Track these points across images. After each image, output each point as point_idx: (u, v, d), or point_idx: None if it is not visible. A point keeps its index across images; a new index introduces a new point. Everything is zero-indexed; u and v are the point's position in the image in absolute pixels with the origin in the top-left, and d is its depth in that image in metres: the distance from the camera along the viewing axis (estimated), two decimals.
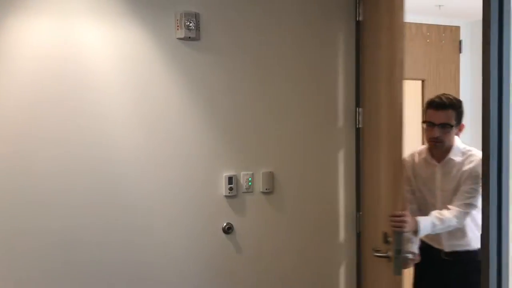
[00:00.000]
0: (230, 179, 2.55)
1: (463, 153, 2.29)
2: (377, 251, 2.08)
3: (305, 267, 2.68)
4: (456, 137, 2.33)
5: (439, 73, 4.01)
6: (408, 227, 2.07)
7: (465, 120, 4.03)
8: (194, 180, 2.50)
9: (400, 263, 1.93)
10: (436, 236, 2.34)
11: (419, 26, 3.94)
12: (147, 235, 2.44)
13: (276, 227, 2.65)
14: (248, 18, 2.58)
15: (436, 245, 2.39)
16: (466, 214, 2.20)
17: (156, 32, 2.43)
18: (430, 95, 3.95)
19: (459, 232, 2.29)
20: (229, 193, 2.55)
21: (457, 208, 2.19)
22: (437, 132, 2.23)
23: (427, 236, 2.33)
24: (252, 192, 2.61)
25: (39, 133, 2.26)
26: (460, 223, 2.19)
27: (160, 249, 2.46)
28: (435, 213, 2.21)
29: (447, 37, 4.04)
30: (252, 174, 2.60)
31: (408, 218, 2.07)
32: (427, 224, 2.14)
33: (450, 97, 2.27)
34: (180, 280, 2.49)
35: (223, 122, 2.55)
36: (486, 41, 1.91)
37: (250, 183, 2.60)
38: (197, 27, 2.47)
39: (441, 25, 4.00)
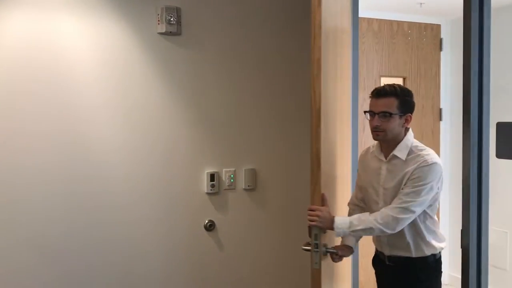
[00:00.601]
0: (212, 176, 2.53)
1: (411, 151, 2.06)
2: (307, 244, 2.02)
3: (286, 263, 2.68)
4: (409, 134, 2.10)
5: (420, 70, 4.05)
6: (321, 223, 1.94)
7: (445, 117, 4.15)
8: (175, 176, 2.47)
9: (317, 257, 1.90)
10: (378, 240, 2.18)
11: (400, 23, 3.96)
12: (129, 232, 2.40)
13: (258, 223, 2.64)
14: (229, 12, 2.56)
15: (379, 249, 2.22)
16: (397, 219, 1.94)
17: (137, 26, 2.39)
18: None
19: (398, 237, 2.07)
20: (211, 190, 2.53)
21: (388, 212, 1.96)
22: (376, 121, 2.02)
23: (374, 238, 2.22)
24: (234, 189, 2.59)
25: (13, 125, 2.21)
26: (389, 228, 1.95)
27: (142, 245, 2.43)
28: (359, 214, 2.05)
29: (428, 35, 4.07)
30: (234, 171, 2.59)
31: (322, 213, 1.94)
32: (343, 222, 1.96)
33: (395, 85, 2.06)
34: (162, 276, 2.47)
35: (205, 118, 2.53)
36: (466, 38, 1.92)
37: (232, 180, 2.58)
38: (178, 22, 2.44)
39: (422, 22, 4.04)
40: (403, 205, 1.95)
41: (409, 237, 2.07)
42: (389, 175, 2.09)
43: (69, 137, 2.29)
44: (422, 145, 2.10)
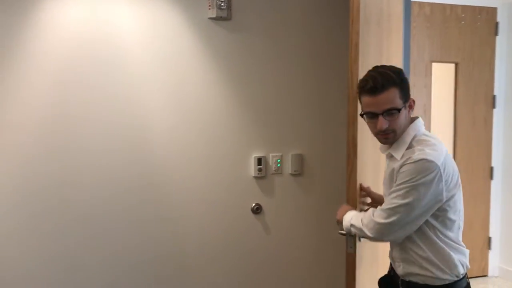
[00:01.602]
0: (259, 160, 2.56)
1: (409, 147, 1.67)
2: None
3: (332, 248, 2.69)
4: (413, 125, 1.70)
5: (473, 56, 3.91)
6: (338, 215, 1.87)
7: (498, 105, 4.00)
8: (223, 160, 2.52)
9: (351, 241, 1.85)
10: (392, 255, 1.82)
11: (453, 7, 3.83)
12: (179, 213, 2.47)
13: (304, 209, 2.65)
14: None
15: (394, 267, 1.83)
16: (379, 226, 1.63)
17: (188, 12, 2.43)
18: (464, 79, 3.89)
19: (410, 256, 1.70)
20: (258, 174, 2.56)
21: (370, 213, 1.69)
22: (383, 123, 1.64)
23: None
24: (281, 173, 2.61)
25: (72, 111, 2.30)
26: (372, 232, 1.66)
27: (190, 226, 2.50)
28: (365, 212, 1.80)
29: (483, 19, 3.92)
30: (281, 155, 2.61)
31: (341, 207, 1.88)
32: (348, 215, 1.81)
33: (385, 71, 1.65)
34: (210, 256, 2.53)
35: (254, 103, 2.55)
36: None
37: (278, 165, 2.60)
38: (229, 7, 2.46)
39: (476, 6, 3.88)
40: (386, 206, 1.63)
41: (417, 257, 1.67)
42: (387, 175, 1.77)
43: (124, 120, 2.37)
44: (428, 138, 1.68)
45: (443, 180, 1.58)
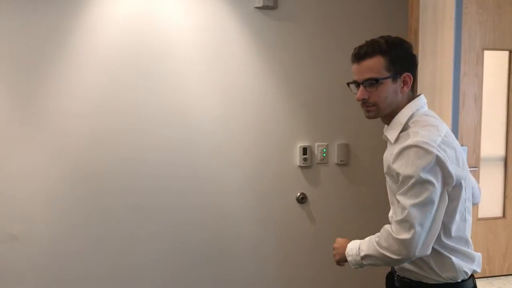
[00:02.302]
0: (304, 150, 2.55)
1: (405, 128, 1.51)
2: None
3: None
4: (410, 104, 1.53)
5: None
6: (337, 255, 1.61)
7: None
8: (269, 149, 2.53)
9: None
10: None
11: None
12: (225, 200, 2.51)
13: (350, 199, 2.63)
14: None
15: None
16: (400, 242, 1.39)
17: (234, 1, 2.44)
18: None
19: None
20: (303, 163, 2.55)
21: (388, 229, 1.44)
22: (361, 93, 1.53)
23: None
24: (326, 163, 2.60)
25: (121, 103, 2.37)
26: (405, 255, 1.40)
27: (235, 213, 2.53)
28: (373, 235, 1.52)
29: None
30: (327, 145, 2.59)
31: (336, 244, 1.63)
32: (354, 248, 1.54)
33: (378, 39, 1.53)
34: (254, 243, 2.56)
35: (299, 92, 2.54)
36: None
37: (324, 154, 2.59)
38: None
39: None
40: (400, 216, 1.40)
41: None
42: (384, 164, 1.58)
43: (173, 110, 2.41)
44: (426, 117, 1.51)
45: (447, 161, 1.40)
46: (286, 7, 2.49)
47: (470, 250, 1.53)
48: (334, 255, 1.63)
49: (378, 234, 1.48)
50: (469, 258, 1.52)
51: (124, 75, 2.36)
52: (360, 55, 1.53)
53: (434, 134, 1.43)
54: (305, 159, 2.56)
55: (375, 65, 1.49)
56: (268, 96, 2.51)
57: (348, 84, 1.62)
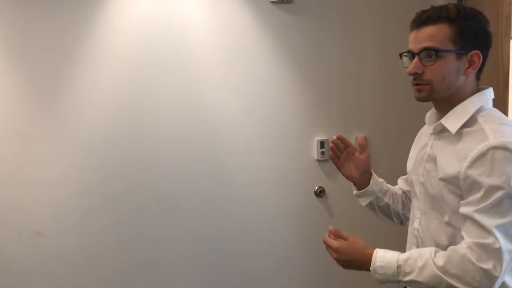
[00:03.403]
0: (322, 144, 2.55)
1: (472, 122, 1.22)
2: None
3: (396, 231, 2.64)
4: (480, 94, 1.26)
5: None
6: (343, 264, 1.34)
7: None
8: (287, 143, 2.54)
9: None
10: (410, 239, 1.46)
11: None
12: (243, 193, 2.53)
13: None
14: None
15: None
16: (486, 274, 1.10)
17: None
18: None
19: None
20: (321, 157, 2.56)
21: (462, 253, 1.14)
22: (414, 66, 1.25)
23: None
24: None
25: (140, 99, 2.41)
26: (473, 284, 1.11)
27: (253, 206, 2.55)
28: (416, 250, 1.25)
29: None
30: None
31: (339, 250, 1.32)
32: (388, 266, 1.24)
33: (450, 5, 1.24)
34: (271, 238, 2.58)
35: (316, 86, 2.54)
36: None
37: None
38: None
39: None
40: (481, 239, 1.11)
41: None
42: (432, 160, 1.29)
43: (190, 105, 2.45)
44: (502, 117, 1.24)
45: None
46: (301, 1, 2.49)
47: None
48: (342, 260, 1.34)
49: (436, 253, 1.19)
50: None
51: (144, 73, 2.40)
52: (421, 19, 1.24)
53: None
54: (322, 153, 2.56)
55: (438, 33, 1.21)
56: (285, 91, 2.52)
57: (400, 55, 1.33)
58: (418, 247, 1.37)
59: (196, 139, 2.47)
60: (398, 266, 1.21)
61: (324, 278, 2.63)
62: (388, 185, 1.58)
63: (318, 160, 2.57)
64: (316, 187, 2.58)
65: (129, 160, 2.42)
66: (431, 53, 1.22)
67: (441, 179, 1.24)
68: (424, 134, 1.45)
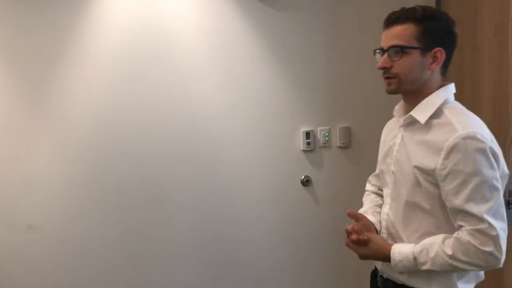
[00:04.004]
0: (307, 134, 2.65)
1: (438, 113, 1.35)
2: None
3: None
4: (445, 88, 1.39)
5: None
6: (364, 255, 1.45)
7: None
8: (274, 135, 2.63)
9: None
10: None
11: None
12: (231, 182, 2.62)
13: (352, 180, 2.72)
14: None
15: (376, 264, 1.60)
16: (491, 255, 1.25)
17: None
18: None
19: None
20: (307, 147, 2.66)
21: (467, 240, 1.26)
22: (384, 61, 1.39)
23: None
24: (329, 146, 2.70)
25: (128, 95, 2.47)
26: (484, 266, 1.27)
27: (243, 195, 2.64)
28: (429, 240, 1.34)
29: None
30: (329, 129, 2.69)
31: (371, 243, 1.43)
32: (405, 258, 1.36)
33: (417, 6, 1.38)
34: (261, 224, 2.68)
35: (301, 79, 2.63)
36: None
37: (327, 138, 2.68)
38: None
39: None
40: (477, 226, 1.25)
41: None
42: (403, 150, 1.42)
43: (179, 100, 2.53)
44: (464, 109, 1.38)
45: (501, 157, 1.31)
46: None
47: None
48: (365, 256, 1.46)
49: (444, 242, 1.30)
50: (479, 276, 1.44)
51: (132, 70, 2.46)
52: (391, 19, 1.39)
53: (483, 126, 1.31)
54: (308, 143, 2.66)
55: (405, 32, 1.35)
56: (271, 83, 2.60)
57: (374, 51, 1.48)
58: (387, 230, 1.51)
59: (185, 133, 2.55)
60: (414, 258, 1.34)
61: (310, 263, 2.74)
62: (375, 206, 1.65)
63: (304, 151, 2.67)
64: (303, 176, 2.68)
65: (120, 155, 2.49)
66: (398, 49, 1.36)
67: (416, 167, 1.37)
68: (392, 126, 1.58)
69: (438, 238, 1.33)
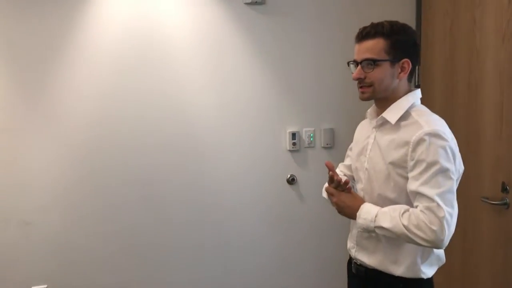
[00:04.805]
0: (293, 135, 2.76)
1: (406, 116, 1.52)
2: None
3: None
4: (412, 93, 1.56)
5: None
6: (341, 210, 1.60)
7: None
8: (261, 135, 2.73)
9: None
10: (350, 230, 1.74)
11: None
12: (221, 183, 2.71)
13: None
14: None
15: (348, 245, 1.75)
16: (435, 233, 1.39)
17: None
18: None
19: (373, 241, 1.60)
20: (292, 147, 2.76)
21: (420, 217, 1.41)
22: (358, 72, 1.54)
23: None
24: (313, 147, 2.81)
25: (121, 94, 2.55)
26: (429, 244, 1.41)
27: (231, 194, 2.74)
28: (391, 207, 1.50)
29: None
30: (314, 130, 2.80)
31: (339, 199, 1.59)
32: (368, 212, 1.52)
33: (384, 22, 1.53)
34: (247, 222, 2.78)
35: (287, 82, 2.74)
36: None
37: (312, 139, 2.79)
38: None
39: None
40: (429, 203, 1.40)
41: (385, 240, 1.55)
42: (376, 148, 1.58)
43: (168, 101, 2.60)
44: (429, 111, 1.55)
45: (458, 154, 1.48)
46: (274, 2, 2.67)
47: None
48: (340, 205, 1.59)
49: (402, 214, 1.45)
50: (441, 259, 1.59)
51: (125, 70, 2.53)
52: (362, 35, 1.54)
53: (445, 126, 1.48)
54: (294, 144, 2.76)
55: (375, 46, 1.51)
56: (258, 86, 2.70)
57: (348, 63, 1.62)
58: None
59: (173, 132, 2.62)
60: (376, 215, 1.49)
61: (295, 256, 2.85)
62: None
63: (290, 151, 2.78)
64: (288, 175, 2.79)
65: (112, 153, 2.56)
66: (370, 62, 1.52)
67: (391, 163, 1.53)
68: (365, 127, 1.74)
69: (403, 207, 1.48)
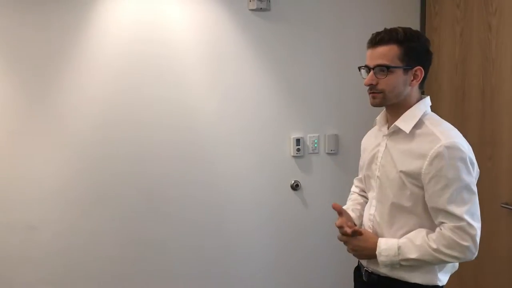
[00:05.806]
0: (297, 141, 2.76)
1: (420, 124, 1.50)
2: None
3: None
4: (424, 101, 1.55)
5: None
6: (357, 254, 1.60)
7: None
8: (265, 141, 2.74)
9: None
10: None
11: None
12: (225, 188, 2.71)
13: (340, 185, 2.82)
14: None
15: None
16: (468, 249, 1.41)
17: (230, 3, 2.62)
18: None
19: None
20: (296, 153, 2.76)
21: (449, 235, 1.41)
22: (370, 79, 1.51)
23: None
24: (318, 153, 2.81)
25: (125, 98, 2.56)
26: (461, 257, 1.44)
27: (235, 199, 2.73)
28: (412, 234, 1.49)
29: None
30: (318, 136, 2.80)
31: (356, 244, 1.58)
32: (389, 248, 1.50)
33: (397, 28, 1.50)
34: (251, 227, 2.77)
35: (292, 88, 2.74)
36: None
37: (316, 145, 2.79)
38: None
39: None
40: (458, 223, 1.40)
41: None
42: (388, 156, 1.55)
43: (171, 106, 2.60)
44: (441, 119, 1.54)
45: (474, 165, 1.47)
46: (278, 9, 2.68)
47: None
48: (356, 251, 1.58)
49: (428, 237, 1.45)
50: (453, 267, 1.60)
51: (129, 74, 2.54)
52: (376, 40, 1.51)
53: (460, 135, 1.47)
54: (298, 150, 2.76)
55: (389, 52, 1.48)
56: (262, 92, 2.71)
57: (359, 68, 1.59)
58: (373, 229, 1.63)
59: (176, 136, 2.61)
60: (399, 248, 1.47)
61: (298, 263, 2.85)
62: (356, 204, 1.81)
63: (294, 156, 2.78)
64: (292, 181, 2.79)
65: (117, 156, 2.56)
66: (383, 68, 1.49)
67: (402, 172, 1.50)
68: (373, 135, 1.72)
69: (421, 231, 1.48)
